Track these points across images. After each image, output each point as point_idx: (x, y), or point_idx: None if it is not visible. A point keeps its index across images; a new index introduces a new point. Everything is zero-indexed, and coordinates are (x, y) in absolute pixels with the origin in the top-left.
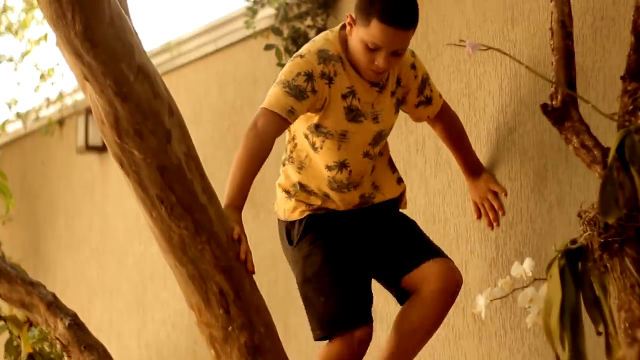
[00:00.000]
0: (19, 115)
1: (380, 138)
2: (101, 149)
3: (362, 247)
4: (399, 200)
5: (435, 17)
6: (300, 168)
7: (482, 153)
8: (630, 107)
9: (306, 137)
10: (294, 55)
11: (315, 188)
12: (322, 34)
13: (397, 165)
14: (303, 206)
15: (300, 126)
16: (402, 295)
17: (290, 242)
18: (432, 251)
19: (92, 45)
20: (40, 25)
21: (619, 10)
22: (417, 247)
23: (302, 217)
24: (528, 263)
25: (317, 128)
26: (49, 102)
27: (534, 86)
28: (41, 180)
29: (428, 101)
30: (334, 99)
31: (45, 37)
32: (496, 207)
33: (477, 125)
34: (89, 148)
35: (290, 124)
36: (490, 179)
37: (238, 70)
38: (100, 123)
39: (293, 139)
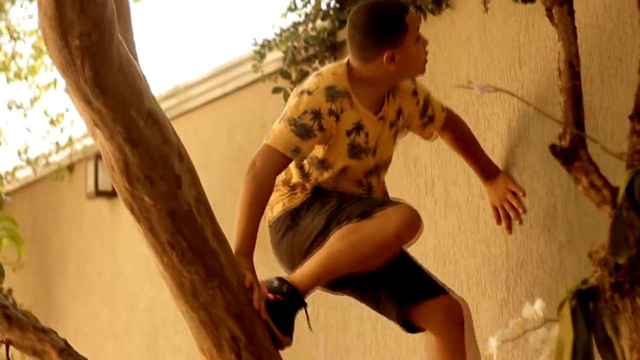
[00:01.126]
0: (29, 161)
1: (375, 170)
2: (111, 195)
3: None
4: None
5: (442, 58)
6: (294, 188)
7: None
8: (639, 147)
9: (301, 167)
10: (300, 89)
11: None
12: (329, 67)
13: None
14: (308, 190)
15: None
16: (406, 324)
17: (295, 221)
18: (433, 288)
19: (101, 92)
20: (50, 72)
21: (626, 49)
22: (419, 280)
23: (309, 193)
24: (539, 304)
25: (321, 163)
26: (58, 148)
27: (542, 126)
28: (52, 226)
29: (431, 120)
30: (339, 136)
31: (55, 83)
32: (516, 205)
33: None
34: (99, 193)
35: (290, 162)
36: (508, 180)
37: (246, 114)
38: (110, 169)
39: (287, 171)
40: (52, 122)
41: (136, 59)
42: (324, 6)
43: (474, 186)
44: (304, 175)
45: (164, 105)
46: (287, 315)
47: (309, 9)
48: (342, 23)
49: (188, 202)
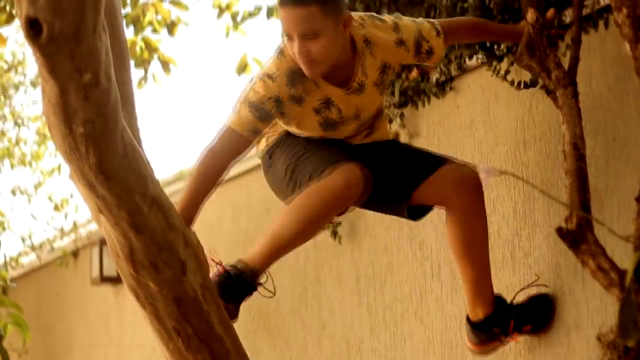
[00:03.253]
0: (33, 247)
1: (364, 124)
2: (116, 280)
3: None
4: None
5: (447, 142)
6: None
7: (497, 277)
8: None
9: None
10: (263, 72)
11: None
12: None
13: (413, 290)
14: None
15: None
16: (414, 211)
17: (271, 158)
18: (437, 160)
19: (106, 178)
20: (54, 157)
21: (631, 131)
22: (421, 160)
23: (282, 131)
24: None
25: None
26: (63, 234)
27: (548, 209)
28: (57, 312)
29: (431, 52)
30: (306, 116)
31: (59, 168)
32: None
33: (493, 250)
34: (103, 279)
35: (250, 143)
36: None
37: (251, 198)
38: (115, 255)
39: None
40: (56, 208)
41: (140, 145)
42: None
43: None
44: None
45: (168, 190)
46: (234, 288)
47: None
48: None
49: (194, 289)
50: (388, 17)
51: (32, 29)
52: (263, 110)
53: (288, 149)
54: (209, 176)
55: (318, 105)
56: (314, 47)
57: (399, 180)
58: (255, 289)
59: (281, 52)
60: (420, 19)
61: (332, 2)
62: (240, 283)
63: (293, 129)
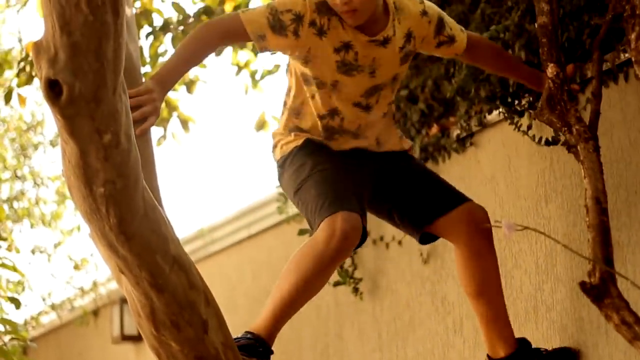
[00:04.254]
0: (53, 307)
1: (374, 90)
2: (137, 339)
3: (367, 180)
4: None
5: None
6: (297, 114)
7: (520, 331)
8: None
9: (295, 110)
10: None
11: (311, 130)
12: None
13: (435, 346)
14: (301, 137)
15: (298, 71)
16: (424, 236)
17: (284, 168)
18: (457, 196)
19: (126, 239)
20: (73, 217)
21: None
22: (442, 192)
23: (301, 141)
24: None
25: (306, 80)
26: (83, 292)
27: (570, 263)
28: None
29: (451, 40)
30: (324, 51)
31: (78, 227)
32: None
33: (515, 304)
34: (124, 338)
35: (246, 39)
36: None
37: (272, 256)
38: (136, 315)
39: (290, 89)
40: (76, 267)
41: (160, 204)
42: None
43: None
44: (296, 114)
45: (189, 248)
46: (253, 353)
47: None
48: None
49: (215, 347)
50: None
51: (52, 90)
52: (279, 21)
53: (297, 165)
54: (195, 45)
55: (339, 46)
56: None
57: (419, 205)
58: (268, 357)
59: None
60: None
61: None
62: (253, 350)
63: (309, 72)
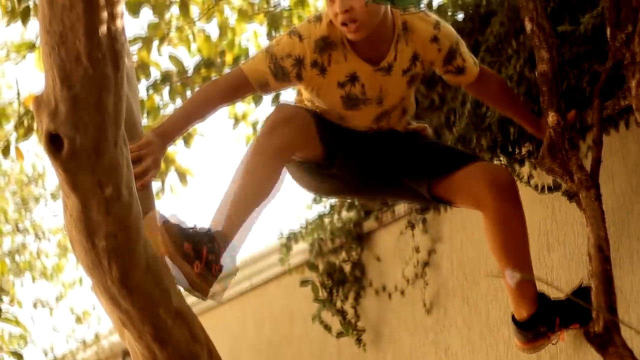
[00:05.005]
0: None
1: (384, 115)
2: None
3: (371, 154)
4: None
5: (470, 246)
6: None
7: None
8: None
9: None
10: (294, 29)
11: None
12: (328, 13)
13: None
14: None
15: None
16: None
17: None
18: (468, 155)
19: (129, 292)
20: (75, 269)
21: None
22: (449, 151)
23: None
24: None
25: (313, 102)
26: (85, 346)
27: None
28: None
29: (459, 71)
30: (328, 88)
31: (80, 280)
32: None
33: (518, 354)
34: None
35: (252, 90)
36: None
37: (274, 307)
38: None
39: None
40: (78, 320)
41: (163, 258)
42: None
43: None
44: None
45: (190, 300)
46: (187, 237)
47: (334, 200)
48: (368, 214)
49: None
50: (434, 15)
51: (53, 144)
52: (281, 68)
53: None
54: (201, 99)
55: (343, 80)
56: (357, 3)
57: (421, 162)
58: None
59: (318, 18)
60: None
61: None
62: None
63: (314, 100)
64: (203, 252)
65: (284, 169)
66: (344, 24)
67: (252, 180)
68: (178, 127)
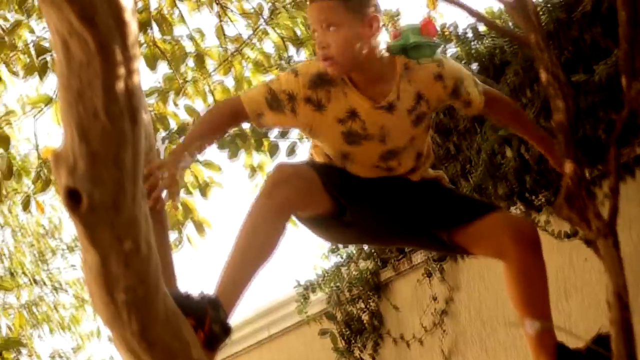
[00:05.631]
0: None
1: (391, 155)
2: None
3: (387, 202)
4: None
5: (487, 295)
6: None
7: None
8: None
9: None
10: (293, 66)
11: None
12: None
13: None
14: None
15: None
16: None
17: None
18: (489, 205)
19: (148, 345)
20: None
21: None
22: (469, 201)
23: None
24: None
25: (316, 146)
26: None
27: None
28: None
29: (467, 104)
30: (328, 126)
31: (98, 332)
32: None
33: None
34: None
35: (247, 119)
36: None
37: (292, 357)
38: None
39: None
40: None
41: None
42: (365, 246)
43: None
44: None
45: None
46: (192, 305)
47: (350, 249)
48: (385, 263)
49: None
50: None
51: (72, 199)
52: (277, 100)
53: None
54: (204, 124)
55: (343, 116)
56: (332, 39)
57: (440, 210)
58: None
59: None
60: (466, 71)
61: None
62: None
63: (316, 140)
64: (206, 322)
65: (287, 226)
66: (323, 59)
67: (254, 242)
68: (185, 146)
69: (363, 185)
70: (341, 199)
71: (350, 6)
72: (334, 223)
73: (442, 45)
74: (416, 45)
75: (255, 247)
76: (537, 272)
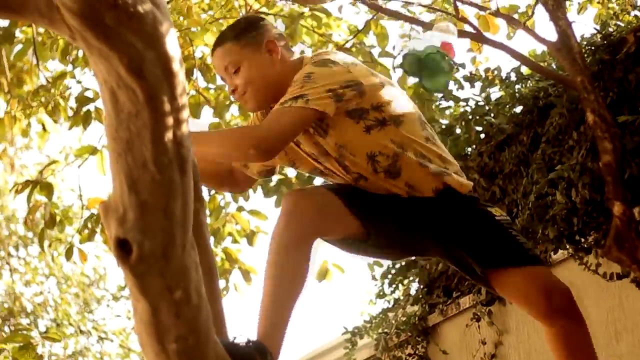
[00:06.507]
0: None
1: (367, 165)
2: None
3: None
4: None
5: (537, 338)
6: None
7: None
8: None
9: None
10: None
11: None
12: None
13: None
14: None
15: None
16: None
17: None
18: (532, 256)
19: None
20: None
21: None
22: (513, 246)
23: None
24: None
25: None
26: None
27: None
28: None
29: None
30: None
31: None
32: None
33: None
34: None
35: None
36: None
37: None
38: None
39: None
40: None
41: None
42: (412, 291)
43: None
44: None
45: None
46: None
47: (397, 294)
48: (433, 307)
49: None
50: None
51: (122, 249)
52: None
53: None
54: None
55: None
56: (238, 79)
57: (478, 244)
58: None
59: None
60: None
61: (244, 33)
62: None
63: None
64: None
65: (311, 252)
66: (239, 100)
67: (283, 279)
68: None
69: (386, 201)
70: (365, 214)
71: (243, 42)
72: (364, 241)
73: (455, 69)
74: (431, 73)
75: (284, 284)
76: (578, 335)
